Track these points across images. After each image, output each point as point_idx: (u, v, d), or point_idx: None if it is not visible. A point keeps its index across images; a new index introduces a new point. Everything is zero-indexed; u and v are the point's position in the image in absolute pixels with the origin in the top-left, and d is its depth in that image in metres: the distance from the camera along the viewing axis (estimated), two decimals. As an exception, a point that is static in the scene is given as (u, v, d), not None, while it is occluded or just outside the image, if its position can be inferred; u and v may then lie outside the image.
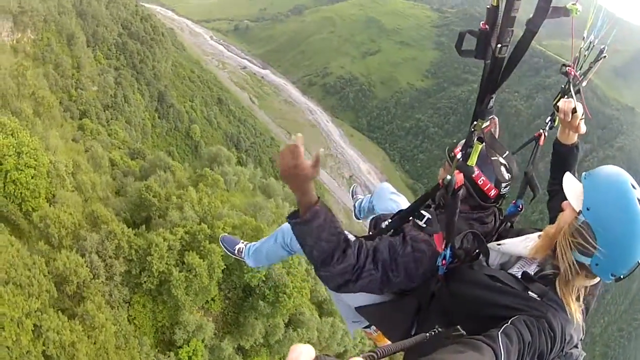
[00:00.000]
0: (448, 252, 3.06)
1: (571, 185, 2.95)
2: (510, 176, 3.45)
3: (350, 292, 3.25)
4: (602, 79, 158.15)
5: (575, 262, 2.77)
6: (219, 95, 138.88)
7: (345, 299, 4.05)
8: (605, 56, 3.91)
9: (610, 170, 2.81)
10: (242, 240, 6.41)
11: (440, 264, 3.09)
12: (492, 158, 3.41)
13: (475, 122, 2.76)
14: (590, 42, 3.84)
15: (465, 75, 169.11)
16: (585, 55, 3.98)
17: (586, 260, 2.73)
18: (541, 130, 4.12)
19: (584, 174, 2.88)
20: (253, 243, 6.13)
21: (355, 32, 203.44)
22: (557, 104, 3.83)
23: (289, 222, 3.17)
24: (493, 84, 2.60)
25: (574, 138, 3.90)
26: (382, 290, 3.30)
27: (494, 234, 3.56)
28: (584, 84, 3.98)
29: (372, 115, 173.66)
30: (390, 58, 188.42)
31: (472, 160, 2.86)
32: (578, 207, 2.76)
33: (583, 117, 3.68)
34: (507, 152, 3.48)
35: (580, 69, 4.00)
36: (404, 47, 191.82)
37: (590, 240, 2.68)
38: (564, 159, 3.97)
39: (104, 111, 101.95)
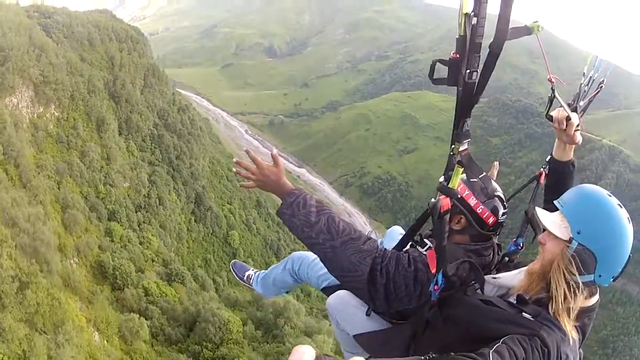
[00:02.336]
0: (440, 277, 2.91)
1: (547, 217, 2.92)
2: (504, 204, 3.43)
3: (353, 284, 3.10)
4: (633, 147, 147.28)
5: (577, 285, 2.73)
6: (257, 197, 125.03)
7: (346, 327, 3.96)
8: (602, 87, 3.80)
9: (585, 189, 2.87)
10: (252, 268, 6.24)
11: (432, 289, 2.95)
12: (471, 180, 3.39)
13: (453, 146, 2.85)
14: (590, 77, 3.75)
15: (500, 167, 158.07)
16: (585, 91, 3.81)
17: (589, 278, 2.73)
18: (542, 169, 4.08)
19: (557, 203, 2.90)
20: (263, 271, 6.00)
21: (391, 129, 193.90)
22: (550, 113, 3.71)
23: (278, 215, 3.16)
24: (466, 109, 2.69)
25: (569, 154, 3.80)
26: (373, 301, 3.09)
27: (492, 268, 3.49)
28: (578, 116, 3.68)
29: (411, 217, 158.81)
30: (427, 155, 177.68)
31: (453, 183, 2.85)
32: (566, 235, 2.77)
33: (579, 127, 3.54)
34: (484, 174, 3.39)
35: (579, 103, 3.78)
36: (439, 142, 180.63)
37: (591, 260, 2.70)
38: (560, 177, 3.88)
39: (136, 212, 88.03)
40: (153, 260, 77.32)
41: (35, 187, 65.71)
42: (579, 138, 3.59)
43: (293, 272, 5.11)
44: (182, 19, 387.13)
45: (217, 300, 65.07)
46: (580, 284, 2.73)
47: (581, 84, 3.76)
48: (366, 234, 3.33)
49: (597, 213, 2.73)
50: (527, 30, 2.60)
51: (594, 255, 2.69)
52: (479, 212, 3.32)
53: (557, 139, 3.81)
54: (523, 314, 2.71)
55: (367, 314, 3.76)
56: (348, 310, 3.93)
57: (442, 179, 3.03)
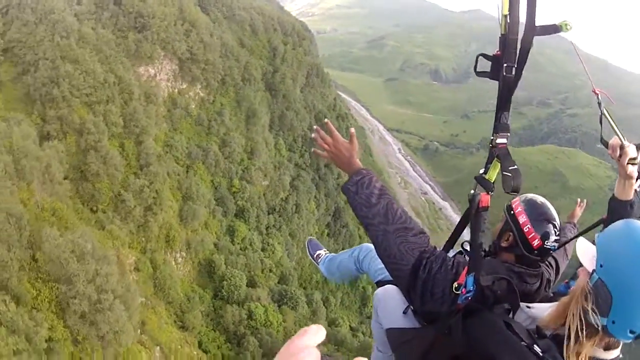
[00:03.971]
0: (470, 280, 2.75)
1: (585, 248, 2.67)
2: (557, 232, 3.23)
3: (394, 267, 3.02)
4: None
5: (587, 325, 2.45)
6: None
7: (383, 319, 3.87)
8: None
9: (624, 222, 2.55)
10: (325, 249, 6.22)
11: (460, 291, 2.81)
12: (532, 201, 3.31)
13: (492, 138, 2.81)
14: None
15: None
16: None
17: (602, 321, 2.41)
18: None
19: (596, 234, 2.65)
20: (333, 254, 5.98)
21: (539, 183, 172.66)
22: (607, 140, 3.40)
23: (342, 190, 3.18)
24: (504, 101, 2.73)
25: (629, 192, 3.48)
26: (410, 294, 3.06)
27: (535, 300, 3.24)
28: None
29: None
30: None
31: (490, 175, 2.84)
32: (591, 267, 2.50)
33: (636, 160, 3.23)
34: (516, 167, 2.86)
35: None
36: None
37: (606, 298, 2.38)
38: (618, 218, 3.01)
39: (268, 215, 79.77)
40: (270, 271, 70.74)
41: (154, 174, 58.34)
42: (631, 170, 3.27)
43: (358, 260, 5.08)
44: (350, 24, 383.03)
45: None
46: (593, 324, 2.40)
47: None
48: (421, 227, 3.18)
49: (626, 248, 2.36)
50: (555, 28, 2.59)
51: (610, 294, 2.35)
52: (525, 230, 3.17)
53: (618, 175, 3.51)
54: (535, 346, 2.50)
55: (404, 312, 3.51)
56: (389, 303, 3.74)
57: (482, 171, 2.92)
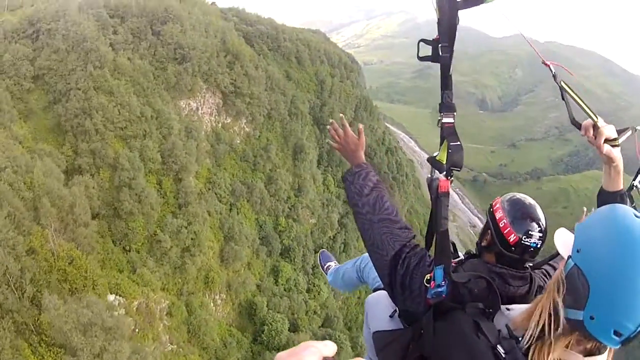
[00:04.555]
0: (439, 272, 2.66)
1: (564, 237, 2.42)
2: (542, 231, 2.99)
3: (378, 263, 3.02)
4: None
5: (558, 321, 2.16)
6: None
7: (371, 323, 3.80)
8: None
9: (608, 206, 2.25)
10: (335, 261, 6.48)
11: (428, 284, 2.74)
12: (514, 200, 3.12)
13: (439, 119, 2.80)
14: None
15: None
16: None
17: (576, 315, 2.07)
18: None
19: (576, 223, 2.37)
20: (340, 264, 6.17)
21: (586, 208, 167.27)
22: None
23: (342, 179, 3.30)
24: (446, 81, 2.73)
25: (618, 183, 3.15)
26: (392, 289, 2.98)
27: (521, 304, 2.93)
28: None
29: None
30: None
31: (441, 156, 2.78)
32: (567, 253, 2.23)
33: (616, 142, 2.89)
34: (459, 143, 2.81)
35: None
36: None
37: (582, 288, 2.05)
38: None
39: (314, 254, 74.04)
40: (315, 313, 67.09)
41: (192, 214, 54.88)
42: (608, 150, 2.87)
43: (359, 269, 5.17)
44: (395, 54, 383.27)
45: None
46: (562, 319, 2.13)
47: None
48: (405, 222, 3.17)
49: (607, 231, 2.07)
50: (478, 0, 2.57)
51: (587, 282, 2.03)
52: (501, 226, 3.04)
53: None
54: (498, 346, 2.32)
55: (391, 316, 3.49)
56: (378, 307, 3.70)
57: (436, 154, 2.89)
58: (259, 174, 70.95)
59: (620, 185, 3.13)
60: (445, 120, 2.75)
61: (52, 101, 54.97)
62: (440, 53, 2.67)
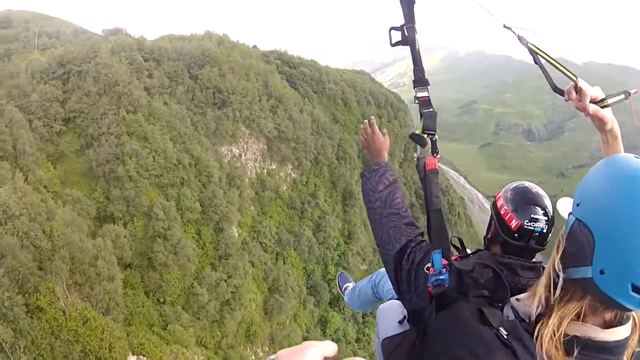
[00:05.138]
0: (437, 257, 2.50)
1: (565, 203, 2.35)
2: (548, 217, 2.93)
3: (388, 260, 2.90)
4: None
5: (563, 285, 1.89)
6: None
7: (380, 331, 3.64)
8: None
9: (612, 155, 2.06)
10: (353, 282, 6.36)
11: (427, 270, 2.60)
12: (517, 186, 3.13)
13: (414, 95, 2.85)
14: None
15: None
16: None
17: (585, 273, 1.78)
18: None
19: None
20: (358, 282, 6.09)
21: None
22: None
23: (360, 174, 3.30)
24: (416, 59, 2.76)
25: (617, 149, 2.72)
26: (399, 285, 2.85)
27: None
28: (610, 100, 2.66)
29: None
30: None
31: (420, 129, 2.79)
32: (567, 212, 2.01)
33: (605, 102, 2.56)
34: (432, 110, 2.86)
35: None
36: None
37: (587, 242, 1.78)
38: None
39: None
40: None
41: (233, 267, 51.87)
42: (595, 110, 2.54)
43: (375, 284, 5.15)
44: (440, 90, 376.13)
45: None
46: (561, 278, 1.88)
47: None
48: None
49: (608, 175, 1.85)
50: None
51: (590, 232, 1.76)
52: (502, 212, 3.04)
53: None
54: (500, 329, 2.08)
55: (400, 321, 3.33)
56: (388, 315, 3.58)
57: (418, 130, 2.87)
58: (307, 221, 67.84)
59: (622, 150, 2.67)
60: (419, 94, 2.78)
61: (84, 145, 53.23)
62: (407, 34, 2.70)
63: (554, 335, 1.83)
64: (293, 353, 1.11)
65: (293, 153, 69.18)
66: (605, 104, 2.55)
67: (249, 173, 64.54)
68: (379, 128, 3.41)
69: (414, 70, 2.78)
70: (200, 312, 48.41)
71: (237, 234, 55.85)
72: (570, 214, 1.90)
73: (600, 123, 2.58)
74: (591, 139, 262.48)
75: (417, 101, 2.81)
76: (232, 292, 50.73)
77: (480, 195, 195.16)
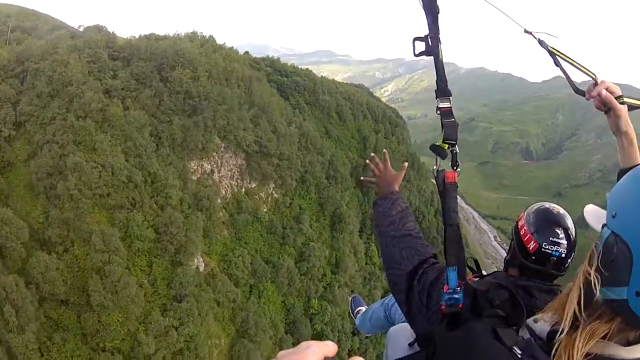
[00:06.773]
0: (452, 275, 2.33)
1: (596, 211, 1.99)
2: (570, 240, 2.85)
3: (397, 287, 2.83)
4: None
5: (593, 304, 1.68)
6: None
7: (390, 353, 3.79)
8: None
9: (638, 166, 1.90)
10: (366, 306, 6.25)
11: (442, 288, 2.45)
12: (540, 209, 3.02)
13: (437, 106, 2.76)
14: None
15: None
16: None
17: (620, 294, 1.59)
18: None
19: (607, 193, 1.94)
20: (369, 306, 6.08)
21: None
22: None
23: (372, 202, 3.23)
24: (438, 69, 2.70)
25: (634, 156, 2.75)
26: (409, 307, 2.75)
27: None
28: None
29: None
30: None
31: (441, 141, 2.70)
32: (600, 224, 1.77)
33: (622, 98, 2.60)
34: (453, 120, 2.73)
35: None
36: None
37: (623, 258, 1.58)
38: None
39: (352, 337, 62.29)
40: None
41: (186, 311, 43.17)
42: (605, 94, 2.61)
43: (387, 307, 5.07)
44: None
45: None
46: (597, 296, 1.63)
47: None
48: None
49: None
50: None
51: (629, 249, 1.56)
52: (521, 233, 2.97)
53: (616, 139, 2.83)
54: (514, 347, 1.91)
55: (410, 344, 3.45)
56: (398, 338, 3.74)
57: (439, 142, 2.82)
58: (289, 249, 58.88)
59: (638, 158, 2.72)
60: (441, 105, 2.70)
61: (31, 154, 44.52)
62: (430, 44, 2.65)
63: (580, 355, 1.64)
64: (293, 354, 1.07)
65: (276, 170, 60.33)
66: (623, 101, 2.57)
67: (224, 192, 55.52)
68: (387, 159, 3.32)
69: (436, 81, 2.70)
70: (146, 364, 39.09)
71: (201, 266, 46.82)
72: (604, 225, 1.68)
73: (615, 123, 2.59)
74: (589, 159, 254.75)
75: (438, 111, 2.69)
76: (185, 341, 41.53)
77: (476, 215, 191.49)
